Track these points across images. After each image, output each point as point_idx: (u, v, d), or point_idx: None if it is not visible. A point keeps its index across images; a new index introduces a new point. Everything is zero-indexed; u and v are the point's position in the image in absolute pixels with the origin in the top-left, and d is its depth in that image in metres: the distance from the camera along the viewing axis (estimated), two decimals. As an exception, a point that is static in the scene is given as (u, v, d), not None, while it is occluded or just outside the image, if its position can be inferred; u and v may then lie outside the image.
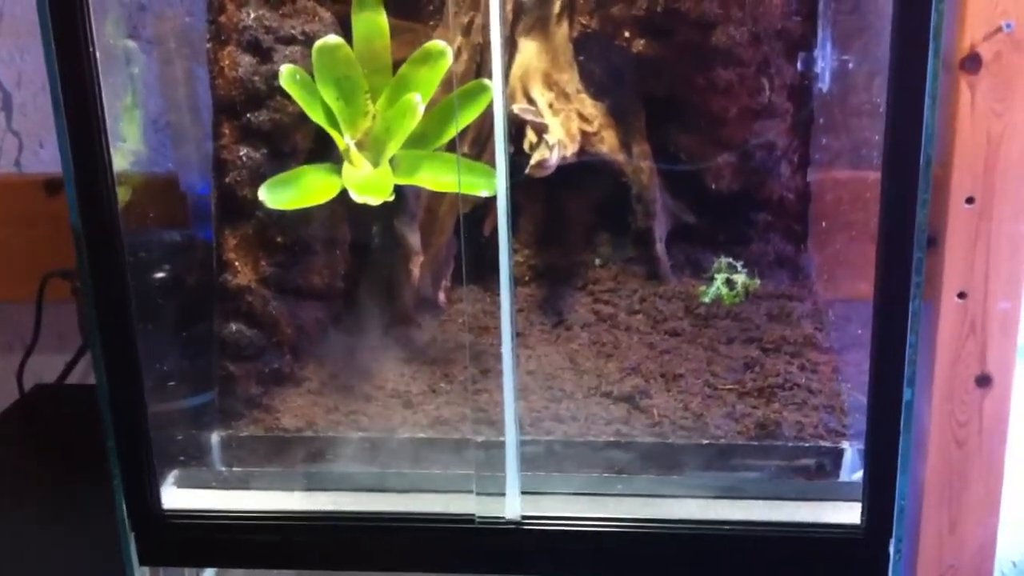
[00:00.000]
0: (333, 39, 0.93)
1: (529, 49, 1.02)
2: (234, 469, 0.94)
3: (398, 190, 0.94)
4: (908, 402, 0.79)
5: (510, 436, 0.87)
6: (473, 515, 0.87)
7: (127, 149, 1.00)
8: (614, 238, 1.08)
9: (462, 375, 0.98)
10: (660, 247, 1.05)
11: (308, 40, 0.93)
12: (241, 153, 0.94)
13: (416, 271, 1.01)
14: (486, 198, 0.92)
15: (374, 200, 0.91)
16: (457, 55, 0.99)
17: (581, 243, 1.09)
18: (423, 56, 0.94)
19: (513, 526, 0.87)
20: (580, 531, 0.86)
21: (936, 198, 1.16)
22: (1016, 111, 1.13)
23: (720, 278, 1.00)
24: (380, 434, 0.94)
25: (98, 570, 1.02)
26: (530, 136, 0.96)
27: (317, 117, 0.93)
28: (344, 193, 0.92)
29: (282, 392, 0.97)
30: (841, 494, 0.88)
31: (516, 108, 0.96)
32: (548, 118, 0.98)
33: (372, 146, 0.95)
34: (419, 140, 0.95)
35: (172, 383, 0.98)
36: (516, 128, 0.96)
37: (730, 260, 1.01)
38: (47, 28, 0.77)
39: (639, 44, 0.99)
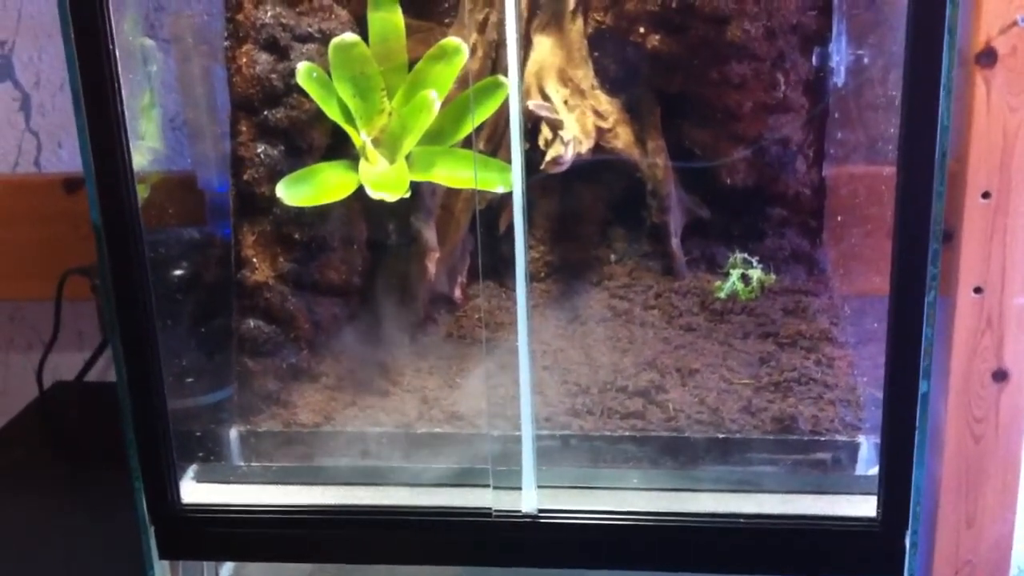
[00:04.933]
0: (349, 37, 0.93)
1: (544, 46, 1.03)
2: (252, 464, 0.95)
3: (414, 187, 0.94)
4: (924, 394, 0.79)
5: (526, 430, 0.87)
6: (490, 509, 0.87)
7: (146, 147, 1.01)
8: (629, 234, 1.08)
9: (478, 370, 0.98)
10: (675, 242, 1.05)
11: (325, 38, 0.94)
12: (258, 150, 0.94)
13: (432, 267, 1.02)
14: (501, 194, 0.93)
15: (390, 196, 0.92)
16: (472, 52, 0.99)
17: (596, 239, 1.09)
18: (439, 53, 0.94)
19: (529, 519, 0.87)
20: (596, 524, 0.86)
21: (952, 193, 1.16)
22: (1032, 105, 1.13)
23: (735, 273, 1.00)
24: (397, 429, 0.94)
25: (118, 564, 1.03)
26: (545, 132, 0.96)
27: (334, 114, 0.93)
28: (361, 190, 0.92)
29: (300, 387, 0.98)
30: (857, 487, 0.88)
31: (531, 104, 0.97)
32: (563, 114, 0.98)
33: (388, 143, 0.96)
34: (435, 137, 0.96)
35: (191, 379, 0.99)
36: (531, 124, 0.97)
37: (745, 255, 1.01)
38: (67, 26, 0.78)
39: (653, 40, 1.00)
